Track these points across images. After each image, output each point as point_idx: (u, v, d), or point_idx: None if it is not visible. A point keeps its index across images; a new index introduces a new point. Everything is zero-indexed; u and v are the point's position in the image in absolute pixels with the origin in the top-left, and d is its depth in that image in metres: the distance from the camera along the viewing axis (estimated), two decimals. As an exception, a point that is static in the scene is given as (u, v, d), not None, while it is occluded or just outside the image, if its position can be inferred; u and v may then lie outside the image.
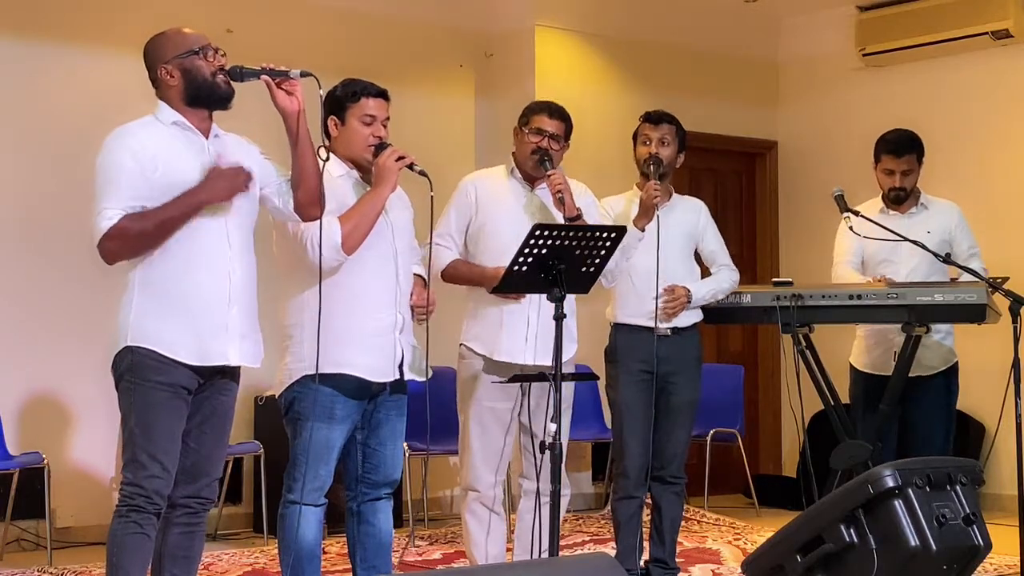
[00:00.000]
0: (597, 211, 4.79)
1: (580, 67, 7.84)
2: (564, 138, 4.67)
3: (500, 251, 4.47)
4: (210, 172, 3.66)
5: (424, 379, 4.17)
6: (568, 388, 4.61)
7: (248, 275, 3.76)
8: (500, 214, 4.60)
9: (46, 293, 6.27)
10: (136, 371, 3.62)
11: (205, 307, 3.64)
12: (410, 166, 4.03)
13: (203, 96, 3.70)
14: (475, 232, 4.62)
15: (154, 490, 3.60)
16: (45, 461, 6.00)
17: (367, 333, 4.02)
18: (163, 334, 3.61)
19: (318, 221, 3.87)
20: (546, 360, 4.35)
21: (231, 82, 3.71)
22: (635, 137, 5.12)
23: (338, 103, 4.12)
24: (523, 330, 4.52)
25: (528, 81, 7.59)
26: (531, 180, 4.67)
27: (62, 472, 6.17)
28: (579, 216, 4.49)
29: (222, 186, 3.65)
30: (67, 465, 6.25)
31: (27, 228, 6.25)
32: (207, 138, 3.74)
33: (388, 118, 4.14)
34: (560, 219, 4.47)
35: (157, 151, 3.62)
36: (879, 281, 5.33)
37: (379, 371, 4.03)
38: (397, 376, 4.08)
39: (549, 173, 4.51)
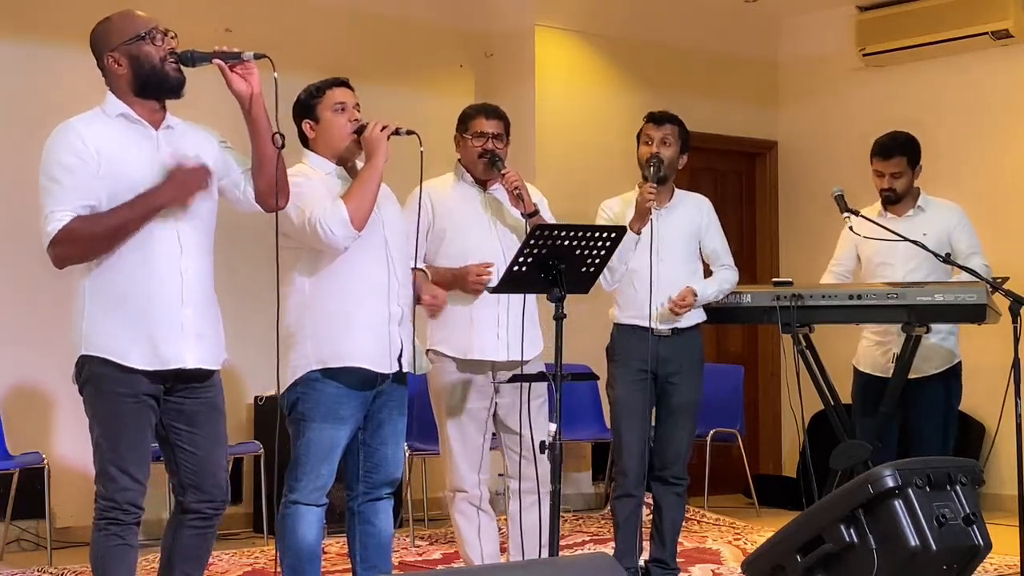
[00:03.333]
0: (547, 208, 4.76)
1: (580, 67, 7.84)
2: (505, 135, 4.69)
3: (463, 253, 4.56)
4: (170, 174, 3.51)
5: (416, 373, 4.17)
6: (541, 387, 4.62)
7: (203, 275, 3.64)
8: (460, 218, 4.62)
9: (45, 292, 6.25)
10: (96, 382, 3.53)
11: (156, 310, 3.52)
12: (396, 131, 4.03)
13: (152, 85, 3.54)
14: (435, 238, 4.62)
15: (127, 502, 3.54)
16: (45, 461, 6.01)
17: (365, 324, 4.01)
18: (114, 342, 3.50)
19: (323, 205, 3.86)
20: (518, 355, 4.41)
21: (182, 68, 3.56)
22: (638, 138, 5.13)
23: (305, 106, 4.13)
24: (494, 327, 4.54)
25: (528, 81, 7.59)
26: (482, 183, 4.68)
27: (62, 472, 6.17)
28: (536, 212, 4.54)
29: (181, 190, 3.51)
30: (67, 465, 6.25)
31: (26, 227, 6.23)
32: (158, 129, 3.60)
33: (358, 104, 4.14)
34: (516, 216, 4.52)
35: (101, 147, 3.47)
36: None
37: (380, 361, 4.02)
38: (397, 368, 4.07)
39: (504, 172, 4.54)
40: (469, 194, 4.68)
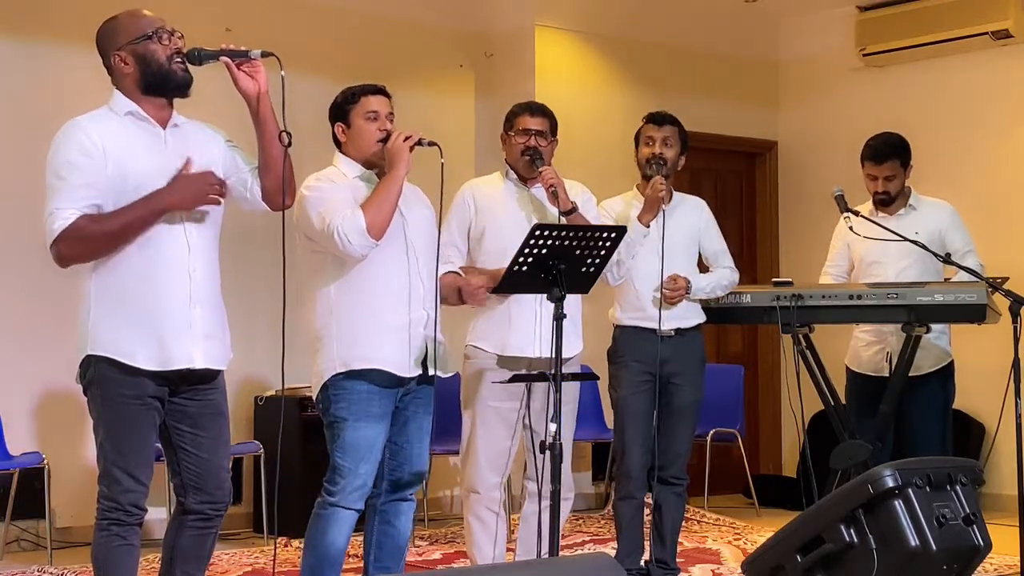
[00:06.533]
0: (594, 207, 4.80)
1: (580, 67, 7.84)
2: (551, 134, 4.69)
3: (501, 252, 4.49)
4: (178, 176, 3.52)
5: (444, 375, 4.17)
6: (573, 387, 4.62)
7: (211, 274, 3.64)
8: (499, 216, 4.62)
9: (46, 292, 6.25)
10: (101, 383, 3.53)
11: (165, 309, 3.51)
12: (419, 142, 4.04)
13: (159, 83, 3.54)
14: (476, 236, 4.63)
15: (130, 503, 3.54)
16: (45, 461, 6.00)
17: (387, 328, 4.02)
18: (121, 342, 3.50)
19: (343, 213, 3.88)
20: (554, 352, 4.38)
21: (188, 67, 3.56)
22: (637, 138, 5.12)
23: (340, 109, 4.15)
24: (532, 324, 4.53)
25: (528, 81, 7.59)
26: (525, 181, 4.69)
27: (62, 472, 6.17)
28: (574, 209, 4.53)
29: (190, 194, 3.51)
30: (67, 465, 6.24)
31: (27, 227, 6.23)
32: (165, 128, 3.60)
33: (392, 113, 4.15)
34: (556, 214, 4.49)
35: (108, 145, 3.47)
36: None
37: (403, 366, 4.03)
38: (420, 371, 4.07)
39: (541, 169, 4.54)
40: (510, 192, 4.68)
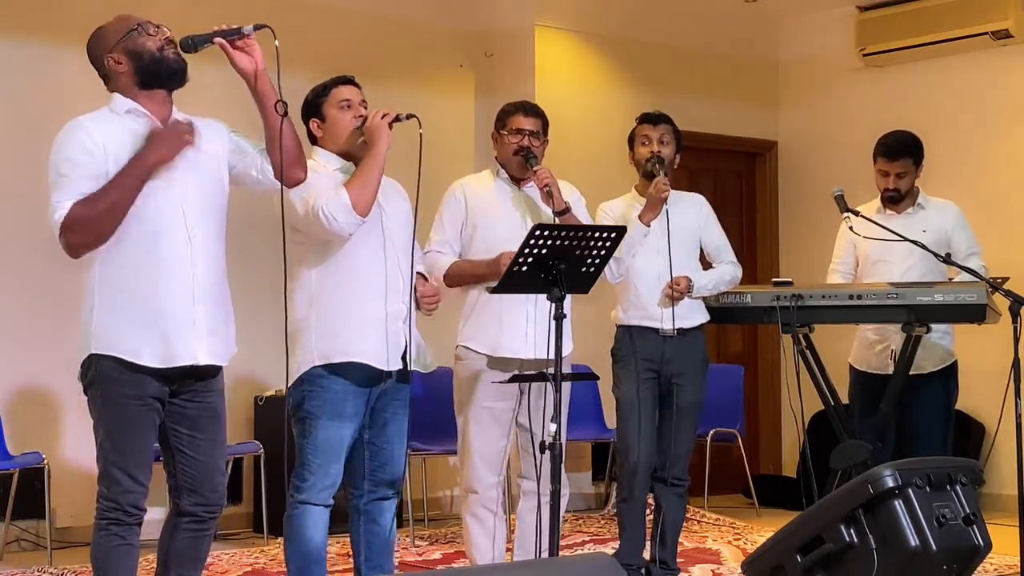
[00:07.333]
0: (584, 208, 4.79)
1: (580, 67, 7.84)
2: (543, 134, 4.69)
3: (491, 250, 4.52)
4: (150, 134, 3.52)
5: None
6: (565, 387, 4.61)
7: (214, 270, 3.63)
8: (491, 215, 4.61)
9: (47, 292, 6.26)
10: (103, 383, 3.53)
11: (168, 306, 3.52)
12: (396, 118, 4.05)
13: (154, 73, 3.56)
14: (468, 234, 4.62)
15: (129, 504, 3.55)
16: (45, 461, 6.00)
17: (366, 320, 4.02)
18: (125, 339, 3.50)
19: (327, 194, 3.87)
20: (546, 353, 4.36)
21: (182, 54, 3.57)
22: (631, 140, 5.12)
23: (312, 105, 4.17)
24: (523, 324, 4.52)
25: (528, 81, 7.59)
26: (517, 181, 4.68)
27: (62, 472, 6.17)
28: (568, 209, 4.52)
29: (166, 146, 3.51)
30: (67, 465, 6.24)
31: (28, 226, 6.24)
32: (165, 125, 3.59)
33: (364, 101, 4.16)
34: (549, 214, 4.49)
35: (108, 143, 3.49)
36: None
37: (383, 358, 4.03)
38: (400, 366, 4.07)
39: (535, 169, 4.53)
40: (503, 191, 4.67)
